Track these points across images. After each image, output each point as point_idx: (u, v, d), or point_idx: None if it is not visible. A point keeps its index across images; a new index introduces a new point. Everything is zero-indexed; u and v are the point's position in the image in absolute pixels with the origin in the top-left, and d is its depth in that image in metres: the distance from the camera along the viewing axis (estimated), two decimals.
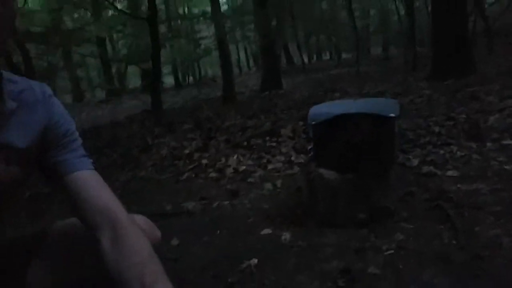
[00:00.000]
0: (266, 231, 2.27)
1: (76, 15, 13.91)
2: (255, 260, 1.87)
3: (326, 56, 29.50)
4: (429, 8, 14.48)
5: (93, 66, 22.23)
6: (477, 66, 7.03)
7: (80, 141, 0.90)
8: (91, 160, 0.94)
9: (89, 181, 0.84)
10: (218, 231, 2.38)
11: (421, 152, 3.23)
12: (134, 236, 0.72)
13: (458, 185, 2.46)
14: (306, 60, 22.64)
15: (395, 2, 16.48)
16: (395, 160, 2.36)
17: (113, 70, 18.43)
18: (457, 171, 2.71)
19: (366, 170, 2.10)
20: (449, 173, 2.69)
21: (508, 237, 1.79)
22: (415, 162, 2.98)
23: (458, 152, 3.07)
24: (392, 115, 2.02)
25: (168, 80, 24.19)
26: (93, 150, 5.66)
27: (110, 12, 10.35)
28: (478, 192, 2.33)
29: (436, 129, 3.80)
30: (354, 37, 13.55)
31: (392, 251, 1.82)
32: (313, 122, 2.20)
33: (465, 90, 5.24)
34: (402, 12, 16.02)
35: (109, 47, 18.50)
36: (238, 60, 27.93)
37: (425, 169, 2.80)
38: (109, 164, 4.62)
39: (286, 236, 2.18)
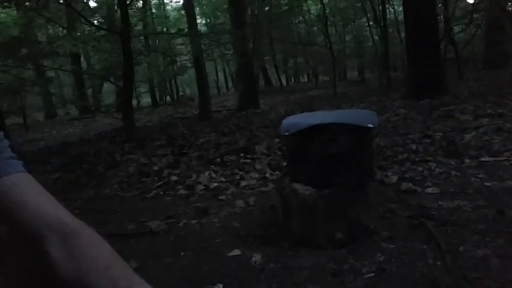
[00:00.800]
0: (235, 252, 2.06)
1: (50, 31, 13.58)
2: (219, 286, 1.65)
3: (304, 79, 29.95)
4: (402, 35, 15.03)
5: (67, 83, 21.70)
6: (449, 89, 7.17)
7: (7, 142, 0.72)
8: (22, 162, 0.77)
9: (25, 185, 0.68)
10: (182, 253, 2.15)
11: (399, 169, 3.12)
12: (90, 240, 0.63)
13: (440, 202, 2.34)
14: (284, 82, 22.88)
15: (370, 29, 17.02)
16: (373, 173, 2.22)
17: (88, 87, 17.98)
18: (437, 187, 2.60)
19: (343, 184, 1.94)
20: (429, 190, 2.58)
21: (496, 258, 1.65)
22: (394, 179, 2.86)
23: (437, 169, 2.97)
24: (371, 125, 1.88)
25: (145, 99, 23.82)
26: (57, 167, 5.33)
27: (86, 28, 10.13)
28: (460, 209, 2.21)
29: (414, 146, 3.73)
30: (331, 60, 13.81)
31: (373, 274, 1.65)
32: (286, 133, 2.04)
33: (440, 109, 5.26)
34: (376, 37, 16.52)
35: (84, 64, 18.10)
36: (217, 81, 27.92)
37: (405, 185, 2.67)
38: (71, 181, 4.30)
39: (256, 257, 1.98)
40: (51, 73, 19.24)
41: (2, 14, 11.84)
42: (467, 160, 3.07)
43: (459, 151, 3.32)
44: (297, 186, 2.03)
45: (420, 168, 3.05)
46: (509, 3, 11.90)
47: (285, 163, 3.46)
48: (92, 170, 4.69)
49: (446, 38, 11.09)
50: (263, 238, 2.19)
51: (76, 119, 16.13)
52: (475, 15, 12.25)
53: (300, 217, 2.01)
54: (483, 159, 3.06)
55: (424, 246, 1.82)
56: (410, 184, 2.67)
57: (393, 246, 1.88)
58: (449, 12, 11.17)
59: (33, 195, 0.67)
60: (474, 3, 12.33)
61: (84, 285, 0.60)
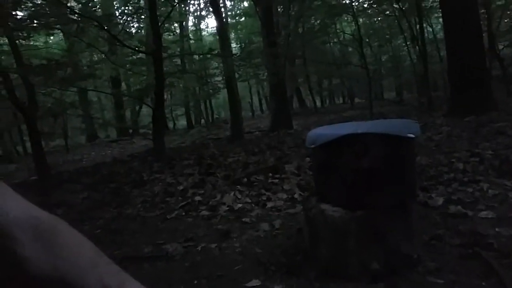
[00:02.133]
0: (254, 282, 1.81)
1: (94, 56, 14.24)
2: None
3: (339, 101, 29.51)
4: (441, 53, 14.43)
5: (109, 107, 22.60)
6: (497, 105, 6.62)
7: None
8: None
9: None
10: (196, 280, 1.92)
11: (445, 190, 2.76)
12: (68, 235, 0.58)
13: (497, 229, 1.98)
14: (318, 103, 22.63)
15: (407, 48, 16.54)
16: (415, 192, 1.91)
17: (127, 110, 18.60)
18: (493, 211, 2.23)
19: (379, 205, 1.65)
20: (483, 214, 2.21)
21: None
22: (440, 201, 2.51)
23: (490, 190, 2.59)
24: (411, 135, 1.60)
25: (181, 122, 24.33)
26: (87, 186, 5.34)
27: (124, 52, 10.53)
28: None
29: (460, 165, 3.34)
30: (367, 80, 13.45)
31: None
32: (312, 145, 1.80)
33: (488, 126, 4.80)
34: (414, 57, 16.00)
35: (124, 87, 18.80)
36: (251, 104, 28.12)
37: (453, 208, 2.32)
38: (96, 200, 4.24)
39: None
40: (93, 98, 20.17)
41: (48, 40, 12.62)
42: None
43: None
44: (325, 207, 1.76)
45: (470, 189, 2.68)
46: None
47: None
48: (118, 189, 4.62)
49: (491, 53, 10.48)
50: (287, 266, 1.92)
51: (115, 141, 16.63)
52: None
53: (329, 243, 1.73)
54: None
55: (483, 283, 1.49)
56: (459, 207, 2.31)
57: (442, 281, 1.56)
58: (493, 27, 10.59)
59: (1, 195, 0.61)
60: None
61: (67, 284, 0.56)
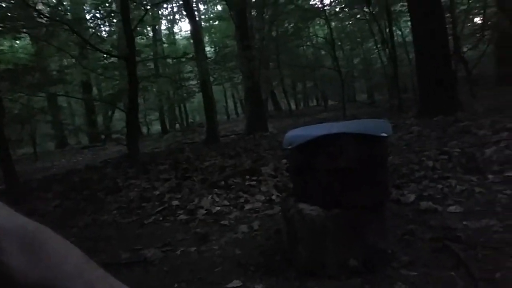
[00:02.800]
0: (235, 283, 1.82)
1: (64, 60, 13.82)
2: None
3: (313, 103, 29.92)
4: (410, 56, 14.92)
5: (79, 113, 21.99)
6: (463, 106, 6.92)
7: None
8: None
9: None
10: (176, 284, 1.92)
11: (416, 187, 2.87)
12: (55, 243, 0.58)
13: (465, 222, 2.08)
14: (293, 106, 22.86)
15: (378, 51, 17.00)
16: (389, 190, 1.98)
17: (99, 116, 18.15)
18: (461, 206, 2.34)
19: (355, 204, 1.70)
20: (452, 208, 2.32)
21: None
22: (411, 197, 2.61)
23: (458, 186, 2.71)
24: (384, 134, 1.67)
25: (155, 127, 23.96)
26: (59, 194, 5.18)
27: (96, 56, 10.29)
28: (490, 229, 1.94)
29: (430, 163, 3.47)
30: (340, 82, 13.72)
31: None
32: (289, 146, 1.83)
33: (455, 125, 5.01)
34: (384, 59, 16.47)
35: (96, 92, 18.35)
36: (226, 107, 28.09)
37: (424, 205, 2.41)
38: (69, 208, 4.13)
39: None
40: (63, 103, 19.57)
41: (14, 44, 12.14)
42: (490, 176, 2.81)
43: (480, 167, 3.06)
44: (303, 206, 1.80)
45: (439, 186, 2.79)
46: None
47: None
48: (92, 196, 4.52)
49: (456, 56, 10.92)
50: (267, 266, 1.95)
51: (86, 147, 16.19)
52: (485, 33, 12.07)
53: (307, 242, 1.77)
54: (508, 174, 2.80)
55: (452, 273, 1.56)
56: (430, 203, 2.41)
57: (415, 273, 1.63)
58: (457, 30, 11.04)
59: None
60: (483, 20, 12.20)
61: None
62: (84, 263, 0.60)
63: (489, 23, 11.63)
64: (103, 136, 17.65)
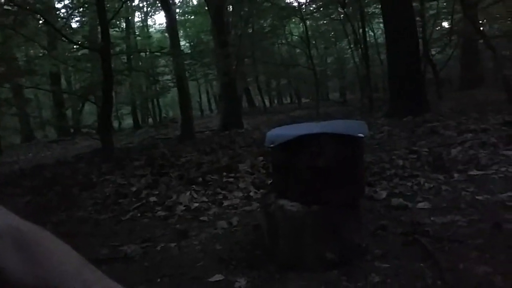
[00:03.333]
0: (217, 277, 1.88)
1: (30, 50, 13.27)
2: None
3: (287, 100, 30.20)
4: (382, 57, 15.37)
5: (47, 105, 21.21)
6: (431, 107, 7.24)
7: None
8: None
9: None
10: (159, 279, 1.95)
11: (388, 185, 3.02)
12: (51, 244, 0.58)
13: (432, 218, 2.23)
14: (267, 103, 22.99)
15: (351, 51, 17.37)
16: (364, 188, 2.09)
17: (67, 108, 17.58)
18: (429, 202, 2.49)
19: (333, 200, 1.80)
20: (421, 205, 2.47)
21: (499, 275, 1.52)
22: (383, 194, 2.75)
23: (426, 184, 2.88)
24: (361, 134, 1.77)
25: (127, 122, 23.46)
26: (29, 189, 5.03)
27: (67, 48, 9.97)
28: (455, 224, 2.09)
29: (400, 162, 3.65)
30: (314, 81, 13.95)
31: None
32: (271, 145, 1.90)
33: (424, 126, 5.26)
34: (357, 59, 16.86)
35: (64, 85, 17.76)
36: (200, 103, 27.87)
37: (395, 201, 2.55)
38: (42, 204, 4.03)
39: (240, 282, 1.80)
40: (29, 95, 18.81)
41: None
42: (455, 175, 2.99)
43: (446, 166, 3.25)
44: (283, 202, 1.88)
45: (409, 184, 2.96)
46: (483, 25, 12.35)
47: (270, 181, 3.32)
48: (65, 192, 4.43)
49: (425, 59, 11.36)
50: (248, 261, 2.02)
51: (55, 141, 15.66)
52: (452, 38, 12.60)
53: (287, 237, 1.85)
54: (472, 173, 2.99)
55: (421, 264, 1.69)
56: (401, 200, 2.55)
57: (387, 265, 1.74)
58: (427, 34, 11.47)
59: None
60: (451, 26, 12.73)
61: None
62: (80, 265, 0.61)
63: (455, 28, 12.15)
64: (72, 130, 17.12)
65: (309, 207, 1.80)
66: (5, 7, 6.07)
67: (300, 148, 1.82)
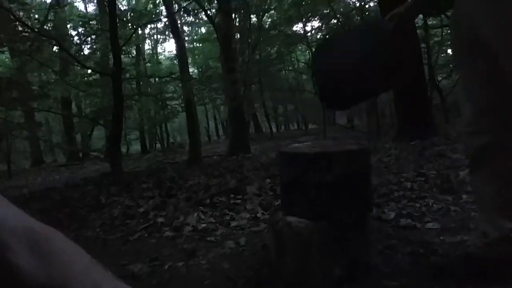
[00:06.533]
0: None
1: (43, 76, 13.68)
2: None
3: (294, 126, 30.38)
4: None
5: (57, 130, 21.60)
6: (438, 131, 7.26)
7: None
8: None
9: None
10: None
11: (396, 206, 3.01)
12: (63, 244, 0.61)
13: (441, 237, 2.21)
14: (274, 129, 23.17)
15: None
16: (371, 205, 2.10)
17: (77, 134, 17.88)
18: (438, 223, 2.48)
19: (340, 216, 1.81)
20: (429, 225, 2.45)
21: None
22: (391, 215, 2.74)
23: (435, 205, 2.87)
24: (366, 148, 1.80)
25: (135, 147, 23.72)
26: (38, 211, 5.08)
27: (79, 73, 10.26)
28: (465, 243, 2.07)
29: (408, 184, 3.64)
30: (320, 106, 14.07)
31: None
32: (282, 162, 1.94)
33: (431, 149, 5.26)
34: None
35: (74, 109, 18.14)
36: (207, 129, 28.17)
37: (403, 221, 2.54)
38: (51, 225, 4.05)
39: None
40: (40, 119, 19.20)
41: None
42: (464, 196, 2.98)
43: (455, 188, 3.24)
44: (291, 219, 1.89)
45: (417, 205, 2.94)
46: None
47: (278, 202, 3.33)
48: (74, 214, 4.47)
49: (431, 84, 11.46)
50: (255, 279, 2.01)
51: (64, 165, 15.85)
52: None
53: (294, 253, 1.85)
54: None
55: (431, 283, 1.67)
56: (409, 220, 2.54)
57: (396, 283, 1.72)
58: (432, 60, 11.65)
59: None
60: None
61: None
62: (91, 265, 0.62)
63: None
64: (81, 154, 17.33)
65: (317, 223, 1.80)
66: (24, 34, 6.33)
67: (309, 164, 1.85)
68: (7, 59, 15.78)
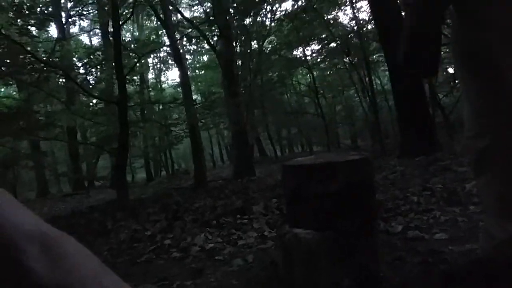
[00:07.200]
0: None
1: (48, 106, 13.94)
2: None
3: (298, 149, 30.39)
4: (390, 103, 15.62)
5: (62, 160, 21.73)
6: (442, 147, 7.26)
7: None
8: None
9: None
10: None
11: (403, 220, 2.99)
12: (74, 249, 0.64)
13: (450, 247, 2.19)
14: (278, 152, 23.20)
15: (359, 98, 17.74)
16: (378, 215, 2.11)
17: (83, 163, 18.00)
18: (445, 233, 2.47)
19: (347, 226, 1.81)
20: (437, 236, 2.44)
21: None
22: (399, 228, 2.72)
23: (442, 217, 2.85)
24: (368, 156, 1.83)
25: (140, 175, 23.76)
26: None
27: (84, 102, 10.47)
28: (473, 252, 2.05)
29: (415, 198, 3.63)
30: (323, 126, 14.15)
31: None
32: (285, 174, 1.97)
33: (436, 164, 5.25)
34: (365, 106, 17.15)
35: (79, 138, 18.32)
36: (212, 155, 28.23)
37: (411, 233, 2.53)
38: None
39: None
40: (45, 149, 19.39)
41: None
42: (471, 207, 2.96)
43: (461, 200, 3.23)
44: (298, 231, 1.90)
45: (424, 217, 2.93)
46: None
47: (284, 217, 3.33)
48: (81, 239, 4.43)
49: (432, 102, 11.53)
50: None
51: (69, 195, 15.87)
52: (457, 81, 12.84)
53: (302, 265, 1.84)
54: None
55: None
56: (417, 232, 2.53)
57: None
58: (432, 80, 11.76)
59: (8, 207, 0.62)
60: (455, 70, 13.02)
61: None
62: (99, 269, 0.65)
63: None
64: (86, 184, 17.36)
65: (323, 233, 1.81)
66: (32, 66, 6.51)
67: (313, 175, 1.87)
68: (14, 92, 16.14)
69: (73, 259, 0.63)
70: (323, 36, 15.00)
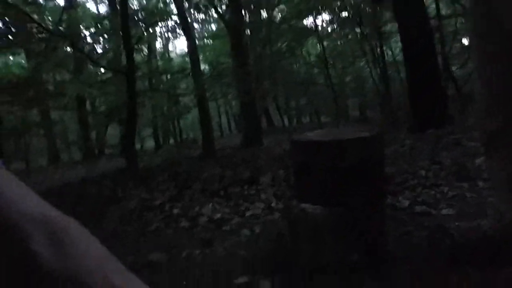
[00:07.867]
0: (242, 279, 1.91)
1: (57, 76, 13.94)
2: None
3: (306, 119, 30.21)
4: (401, 74, 15.28)
5: (72, 129, 21.94)
6: (454, 120, 7.14)
7: None
8: (2, 160, 0.71)
9: (3, 180, 0.61)
10: (185, 282, 1.99)
11: (410, 194, 3.00)
12: (79, 235, 0.56)
13: (456, 223, 2.19)
14: (286, 123, 23.10)
15: (370, 69, 17.38)
16: (386, 191, 2.11)
17: (92, 132, 18.18)
18: (453, 209, 2.47)
19: (355, 202, 1.82)
20: (444, 211, 2.45)
21: None
22: (406, 203, 2.73)
23: (450, 192, 2.85)
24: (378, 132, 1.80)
25: (148, 143, 23.96)
26: (56, 206, 5.20)
27: (93, 72, 10.42)
28: (481, 228, 2.06)
29: (423, 172, 3.62)
30: (333, 97, 13.99)
31: None
32: (293, 149, 1.96)
33: (447, 138, 5.19)
34: (376, 78, 16.81)
35: (89, 108, 18.42)
36: (220, 124, 28.24)
37: (418, 208, 2.54)
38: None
39: (265, 284, 1.82)
40: (55, 118, 19.55)
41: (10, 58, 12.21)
42: (480, 183, 2.95)
43: (471, 175, 3.20)
44: (305, 205, 1.91)
45: (432, 192, 2.93)
46: None
47: (292, 191, 3.35)
48: (92, 207, 4.57)
49: (446, 74, 11.26)
50: (272, 264, 2.04)
51: (80, 162, 16.14)
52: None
53: (310, 239, 1.87)
54: None
55: (448, 265, 1.67)
56: (424, 207, 2.54)
57: (412, 267, 1.73)
58: (446, 50, 11.43)
59: (14, 190, 0.63)
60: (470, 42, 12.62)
61: (76, 282, 0.52)
62: (104, 257, 0.66)
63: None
64: (96, 152, 17.60)
65: (331, 209, 1.82)
66: (39, 35, 6.45)
67: (323, 150, 1.86)
68: (22, 61, 16.11)
69: (77, 246, 0.62)
70: (337, 4, 14.52)
